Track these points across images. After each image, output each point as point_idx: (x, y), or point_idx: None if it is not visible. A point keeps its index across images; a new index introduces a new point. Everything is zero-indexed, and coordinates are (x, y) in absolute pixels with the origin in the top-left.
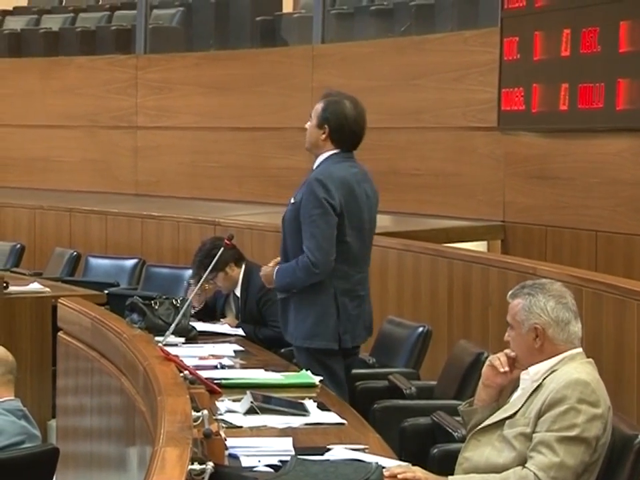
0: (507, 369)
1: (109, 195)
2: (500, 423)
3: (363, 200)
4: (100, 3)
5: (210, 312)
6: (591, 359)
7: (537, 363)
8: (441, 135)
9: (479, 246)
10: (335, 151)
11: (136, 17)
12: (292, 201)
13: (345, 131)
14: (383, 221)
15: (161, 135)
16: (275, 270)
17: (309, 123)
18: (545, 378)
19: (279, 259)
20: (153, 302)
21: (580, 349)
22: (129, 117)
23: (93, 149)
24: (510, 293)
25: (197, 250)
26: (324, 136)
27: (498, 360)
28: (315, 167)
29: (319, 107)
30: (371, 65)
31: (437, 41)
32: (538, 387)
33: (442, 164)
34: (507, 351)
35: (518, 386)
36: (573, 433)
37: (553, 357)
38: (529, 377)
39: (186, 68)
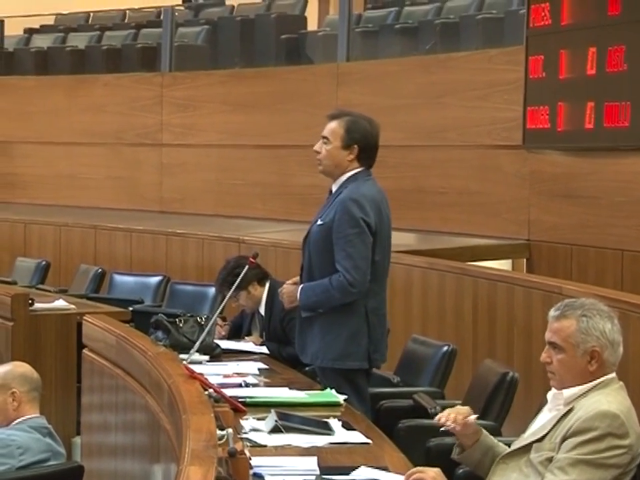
0: (451, 426)
1: (134, 212)
2: (527, 447)
3: (388, 218)
4: (126, 21)
5: (236, 330)
6: (622, 383)
7: (576, 385)
8: (466, 153)
9: (503, 264)
10: (358, 170)
11: (161, 35)
12: (319, 222)
13: (372, 148)
14: (408, 239)
15: (186, 153)
16: (300, 288)
17: (322, 146)
18: (576, 402)
19: (297, 278)
20: (177, 319)
21: (614, 374)
22: (154, 135)
23: (118, 166)
24: (555, 313)
25: (221, 268)
26: (351, 156)
27: (444, 418)
28: (337, 187)
29: (336, 128)
30: (395, 83)
31: (462, 59)
32: (568, 411)
33: (467, 182)
34: (459, 410)
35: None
36: (590, 457)
37: (594, 380)
38: (563, 399)
39: (211, 86)
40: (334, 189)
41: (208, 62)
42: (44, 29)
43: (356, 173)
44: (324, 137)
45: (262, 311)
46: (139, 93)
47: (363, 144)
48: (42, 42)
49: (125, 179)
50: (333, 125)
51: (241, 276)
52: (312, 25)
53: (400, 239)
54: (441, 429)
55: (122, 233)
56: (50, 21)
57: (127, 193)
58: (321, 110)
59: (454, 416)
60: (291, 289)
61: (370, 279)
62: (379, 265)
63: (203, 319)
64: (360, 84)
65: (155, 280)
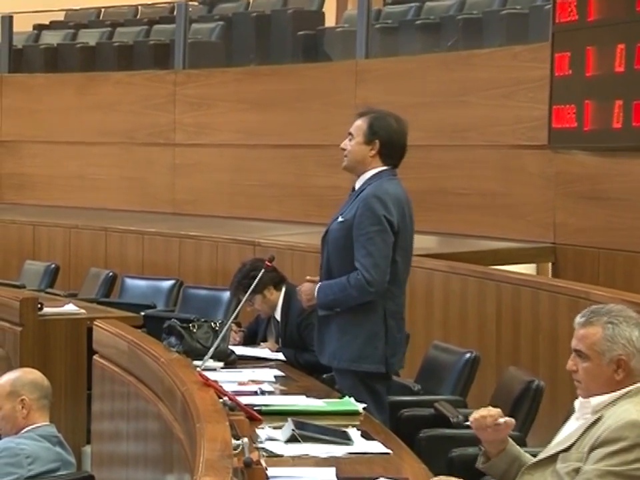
0: (501, 421)
1: (146, 213)
2: (554, 457)
3: (411, 220)
4: (138, 17)
5: (252, 336)
6: None
7: (603, 394)
8: (489, 154)
9: (528, 269)
10: (383, 168)
11: (175, 31)
12: (340, 219)
13: (394, 145)
14: (429, 242)
15: (200, 153)
16: (317, 286)
17: (348, 142)
18: (604, 410)
19: (317, 277)
20: (190, 325)
21: None
22: (167, 134)
23: (130, 167)
24: (581, 319)
25: (237, 271)
26: (373, 152)
27: (485, 419)
28: (360, 185)
29: (362, 124)
30: (416, 80)
31: (485, 56)
32: (597, 419)
33: (490, 183)
34: (490, 411)
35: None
36: (618, 468)
37: (622, 388)
38: (590, 407)
39: (225, 83)
40: (357, 185)
41: (222, 59)
42: (54, 25)
43: (380, 171)
44: (349, 134)
45: (278, 316)
46: (152, 91)
47: (385, 139)
48: (52, 38)
49: (137, 179)
50: (359, 121)
51: (257, 279)
52: (330, 21)
53: (420, 242)
54: (467, 428)
55: (133, 235)
56: (60, 16)
57: (139, 194)
58: (339, 108)
59: (485, 414)
60: (309, 287)
61: (389, 280)
62: (399, 266)
63: (217, 324)
64: (379, 82)
65: (167, 284)
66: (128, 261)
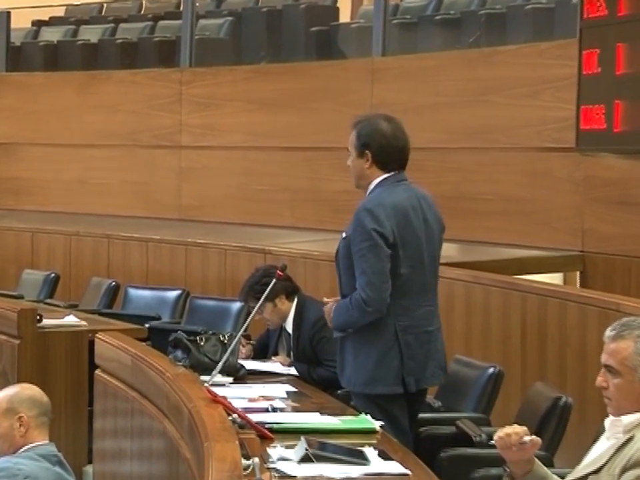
0: (526, 439)
1: (151, 220)
2: (583, 479)
3: (421, 226)
4: (142, 13)
5: (262, 350)
6: None
7: (636, 412)
8: (513, 157)
9: (555, 278)
10: (384, 176)
11: (181, 27)
12: (343, 235)
13: (387, 150)
14: (449, 251)
15: (207, 155)
16: (333, 307)
17: (349, 160)
18: (636, 429)
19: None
20: (198, 337)
21: None
22: (173, 136)
23: (134, 170)
24: (611, 333)
25: (249, 276)
26: (368, 163)
27: (510, 437)
28: (367, 195)
29: (352, 137)
30: (436, 79)
31: (509, 53)
32: (628, 439)
33: (514, 188)
34: (515, 430)
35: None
36: None
37: None
38: (622, 426)
39: (234, 82)
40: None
41: (231, 57)
42: (53, 22)
43: (383, 180)
44: (348, 150)
45: (289, 328)
46: (156, 90)
47: (376, 147)
48: (51, 35)
49: (141, 184)
50: (351, 135)
51: (270, 287)
52: (344, 17)
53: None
54: (491, 447)
55: (137, 243)
56: (60, 12)
57: (143, 200)
58: (354, 109)
59: (510, 432)
60: (330, 307)
61: (396, 294)
62: (406, 278)
63: (226, 337)
64: (397, 80)
65: (173, 294)
66: (131, 269)
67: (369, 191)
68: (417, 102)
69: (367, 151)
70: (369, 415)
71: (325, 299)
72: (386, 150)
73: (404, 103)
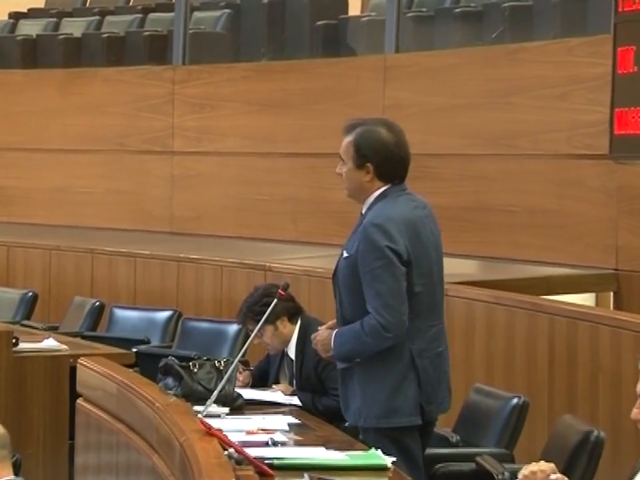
0: (553, 477)
1: (139, 233)
2: None
3: (430, 240)
4: (130, 4)
5: (262, 377)
6: None
7: None
8: (540, 164)
9: (586, 299)
10: (385, 187)
11: (173, 20)
12: (344, 254)
13: (391, 160)
14: (468, 268)
15: (202, 162)
16: (333, 335)
17: (340, 168)
18: None
19: (334, 321)
20: (191, 363)
21: None
22: (164, 140)
23: (121, 178)
24: None
25: (247, 296)
26: (369, 176)
27: (535, 476)
28: (364, 210)
29: (347, 145)
30: (455, 78)
31: (536, 50)
32: None
33: (541, 199)
34: (542, 467)
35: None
36: None
37: None
38: None
39: (232, 82)
40: (363, 210)
41: (229, 53)
42: (32, 14)
43: (385, 191)
44: (340, 157)
45: (292, 354)
46: (146, 90)
47: (378, 159)
48: (30, 29)
49: (129, 193)
50: (344, 142)
51: (270, 307)
52: (354, 9)
53: (459, 268)
54: None
55: (124, 259)
56: (40, 3)
57: (131, 210)
58: (364, 111)
59: (535, 470)
60: (326, 336)
61: (411, 315)
62: (421, 297)
63: (222, 362)
64: (411, 80)
65: (163, 315)
66: (118, 288)
67: (367, 204)
68: (434, 104)
69: (367, 164)
70: (379, 449)
71: (328, 324)
72: (390, 162)
73: (419, 105)
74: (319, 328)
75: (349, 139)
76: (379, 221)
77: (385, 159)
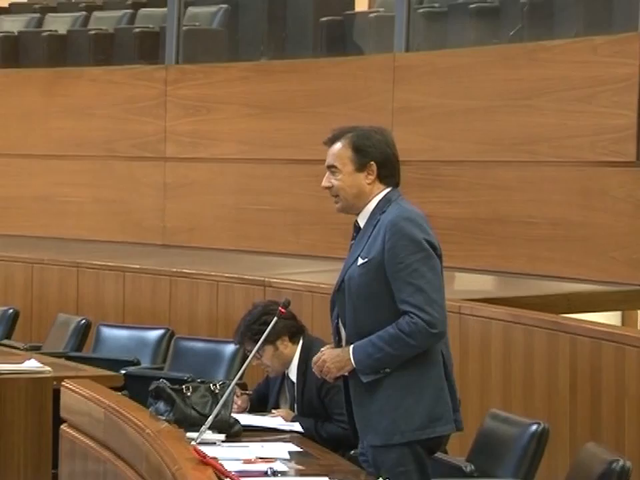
0: None
1: (129, 245)
2: None
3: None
4: None
5: (261, 401)
6: None
7: None
8: (562, 172)
9: (612, 318)
10: (387, 190)
11: (166, 16)
12: (361, 260)
13: (391, 160)
14: (484, 283)
15: (197, 169)
16: (351, 348)
17: (332, 180)
18: None
19: (330, 346)
20: (184, 387)
21: None
22: (156, 145)
23: (109, 186)
24: None
25: (245, 313)
26: (371, 177)
27: None
28: (366, 220)
29: (342, 150)
30: (470, 79)
31: (557, 49)
32: None
33: (563, 209)
34: None
35: None
36: None
37: None
38: None
39: (230, 82)
40: (361, 222)
41: (226, 52)
42: (14, 9)
43: (386, 194)
44: (330, 167)
45: (293, 376)
46: (137, 91)
47: (381, 158)
48: (11, 25)
49: (118, 202)
50: (335, 148)
51: (270, 326)
52: (361, 5)
53: (474, 284)
54: None
55: (112, 273)
56: None
57: (120, 221)
58: (372, 114)
59: None
60: (335, 353)
61: None
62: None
63: (218, 386)
64: (423, 81)
65: (154, 334)
66: (105, 304)
67: (367, 212)
68: (447, 106)
69: (370, 162)
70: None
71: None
72: (390, 161)
73: (431, 108)
74: (322, 350)
75: (340, 144)
76: (408, 215)
77: (386, 158)
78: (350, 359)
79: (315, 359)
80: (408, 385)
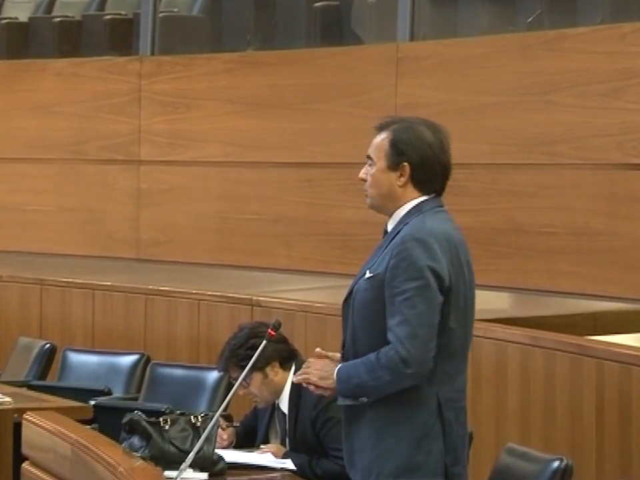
0: None
1: (99, 260)
2: None
3: (466, 268)
4: None
5: (248, 435)
6: None
7: None
8: (586, 176)
9: None
10: (422, 198)
11: (140, 2)
12: (367, 274)
13: (431, 164)
14: (499, 302)
15: (175, 173)
16: (337, 368)
17: (367, 170)
18: None
19: (336, 354)
20: (161, 419)
21: None
22: (129, 147)
23: (77, 194)
24: None
25: (230, 337)
26: (403, 179)
27: None
28: (394, 225)
29: (382, 142)
30: (482, 72)
31: (581, 38)
32: None
33: (587, 218)
34: None
35: None
36: None
37: None
38: None
39: (212, 76)
40: (389, 227)
41: (208, 41)
42: None
43: (420, 203)
44: (368, 157)
45: (284, 407)
46: (108, 86)
47: (417, 159)
48: None
49: (86, 211)
50: (378, 138)
51: (258, 351)
52: None
53: (487, 302)
54: None
55: (80, 291)
56: None
57: (89, 233)
58: (372, 111)
59: None
60: (324, 364)
61: (441, 355)
62: (455, 335)
63: (200, 418)
64: (429, 74)
65: (128, 360)
66: (73, 327)
67: (397, 217)
68: (456, 102)
69: (404, 163)
70: None
71: (318, 350)
72: (429, 166)
73: (438, 104)
74: (310, 359)
75: (382, 135)
76: (420, 235)
77: (424, 160)
78: (334, 374)
79: (305, 364)
80: (389, 424)
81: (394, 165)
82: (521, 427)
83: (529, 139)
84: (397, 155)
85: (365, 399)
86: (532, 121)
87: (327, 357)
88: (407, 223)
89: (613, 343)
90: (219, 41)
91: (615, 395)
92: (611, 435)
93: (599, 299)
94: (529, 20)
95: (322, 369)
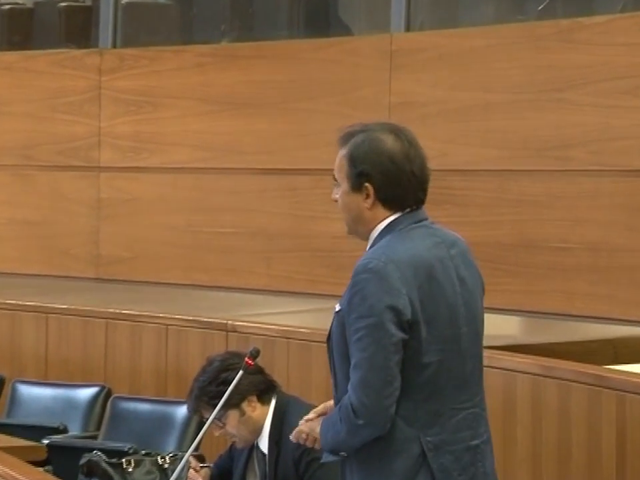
0: None
1: (53, 279)
2: None
3: (454, 288)
4: None
5: (224, 477)
6: None
7: None
8: (605, 184)
9: None
10: (393, 217)
11: None
12: (336, 307)
13: (396, 178)
14: (507, 327)
15: (140, 181)
16: (321, 422)
17: (336, 192)
18: None
19: (325, 404)
20: (124, 460)
21: None
22: (88, 152)
23: (28, 204)
24: None
25: (200, 371)
26: (370, 200)
27: None
28: (369, 247)
29: (341, 159)
30: (487, 67)
31: (597, 28)
32: None
33: (605, 232)
34: None
35: None
36: None
37: None
38: None
39: (182, 71)
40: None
41: (177, 32)
42: None
43: (392, 222)
44: (333, 177)
45: (264, 446)
46: (63, 82)
47: (380, 178)
48: None
49: (39, 224)
50: (339, 155)
51: (232, 385)
52: None
53: (494, 327)
54: None
55: (32, 315)
56: None
57: (42, 248)
58: (364, 111)
59: None
60: (313, 426)
61: (420, 396)
62: (438, 369)
63: (167, 459)
64: (427, 68)
65: (86, 393)
66: (22, 355)
67: (371, 239)
68: (456, 100)
69: (366, 184)
70: None
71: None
72: (394, 180)
73: (438, 103)
74: (304, 419)
75: (343, 151)
76: (374, 265)
77: (388, 177)
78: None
79: (295, 431)
80: (368, 472)
81: (356, 185)
82: (531, 468)
83: (540, 143)
84: (357, 175)
85: (343, 454)
86: (543, 122)
87: (310, 419)
88: (373, 246)
89: (635, 374)
90: (190, 31)
91: (638, 432)
92: (633, 476)
93: (620, 323)
94: (540, 8)
95: (310, 434)
